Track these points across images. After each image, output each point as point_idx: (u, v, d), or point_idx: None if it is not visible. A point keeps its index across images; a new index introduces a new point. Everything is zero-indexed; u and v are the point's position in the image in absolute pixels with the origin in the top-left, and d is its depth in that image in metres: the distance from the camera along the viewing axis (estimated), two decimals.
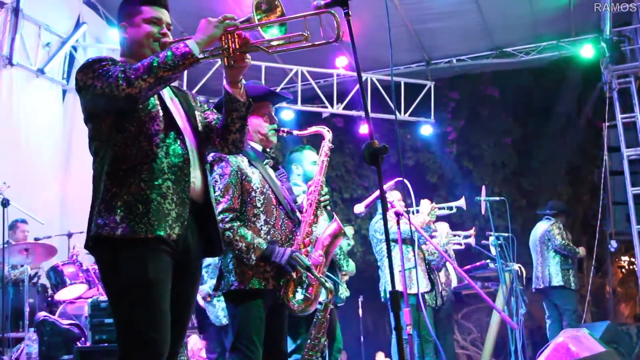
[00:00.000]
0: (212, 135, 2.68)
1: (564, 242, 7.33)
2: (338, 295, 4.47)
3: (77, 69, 2.50)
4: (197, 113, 2.69)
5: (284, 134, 3.60)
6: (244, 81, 2.62)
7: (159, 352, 2.31)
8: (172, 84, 2.63)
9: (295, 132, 3.66)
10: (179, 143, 2.49)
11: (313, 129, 3.68)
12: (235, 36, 2.41)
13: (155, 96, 2.47)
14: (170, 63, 2.30)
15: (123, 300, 2.34)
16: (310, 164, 4.44)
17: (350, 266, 5.18)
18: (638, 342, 6.76)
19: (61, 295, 6.31)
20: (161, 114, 2.48)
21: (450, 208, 6.03)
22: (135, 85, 2.27)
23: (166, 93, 2.59)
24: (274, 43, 2.41)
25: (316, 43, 2.39)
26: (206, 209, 2.59)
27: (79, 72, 2.42)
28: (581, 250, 7.51)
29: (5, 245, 5.81)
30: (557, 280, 7.29)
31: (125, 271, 2.33)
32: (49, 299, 6.46)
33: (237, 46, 2.43)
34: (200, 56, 2.36)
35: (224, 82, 2.58)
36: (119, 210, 2.32)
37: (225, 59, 2.45)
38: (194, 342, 6.62)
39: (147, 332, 2.29)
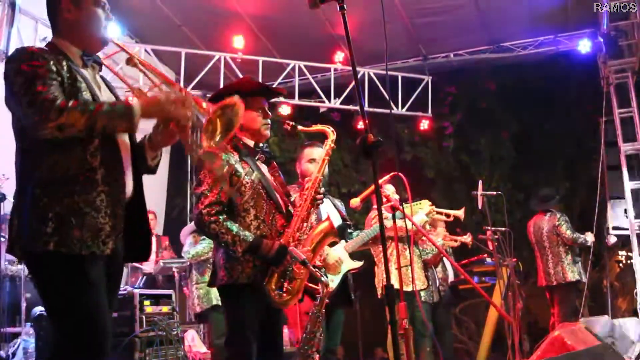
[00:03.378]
0: None
1: (574, 236, 7.31)
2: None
3: None
4: None
5: (288, 127, 3.64)
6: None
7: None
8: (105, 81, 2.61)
9: (299, 127, 3.67)
10: (113, 151, 2.39)
11: (318, 127, 3.71)
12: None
13: (89, 98, 2.36)
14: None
15: (66, 311, 2.25)
16: (306, 163, 4.42)
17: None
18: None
19: None
20: None
21: (448, 215, 5.99)
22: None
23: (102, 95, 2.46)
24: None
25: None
26: (137, 212, 2.51)
27: None
28: (589, 237, 7.46)
29: (2, 240, 5.79)
30: (572, 276, 7.27)
31: (63, 285, 2.24)
32: None
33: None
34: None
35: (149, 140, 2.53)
36: (50, 223, 2.20)
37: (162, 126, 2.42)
38: (191, 337, 6.64)
39: (94, 339, 2.24)
